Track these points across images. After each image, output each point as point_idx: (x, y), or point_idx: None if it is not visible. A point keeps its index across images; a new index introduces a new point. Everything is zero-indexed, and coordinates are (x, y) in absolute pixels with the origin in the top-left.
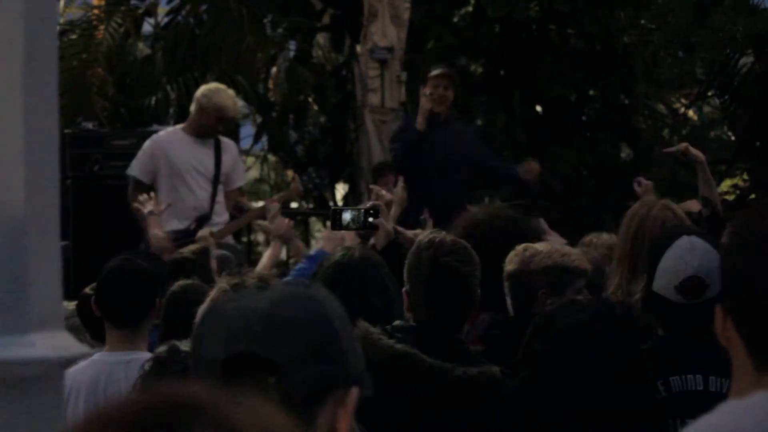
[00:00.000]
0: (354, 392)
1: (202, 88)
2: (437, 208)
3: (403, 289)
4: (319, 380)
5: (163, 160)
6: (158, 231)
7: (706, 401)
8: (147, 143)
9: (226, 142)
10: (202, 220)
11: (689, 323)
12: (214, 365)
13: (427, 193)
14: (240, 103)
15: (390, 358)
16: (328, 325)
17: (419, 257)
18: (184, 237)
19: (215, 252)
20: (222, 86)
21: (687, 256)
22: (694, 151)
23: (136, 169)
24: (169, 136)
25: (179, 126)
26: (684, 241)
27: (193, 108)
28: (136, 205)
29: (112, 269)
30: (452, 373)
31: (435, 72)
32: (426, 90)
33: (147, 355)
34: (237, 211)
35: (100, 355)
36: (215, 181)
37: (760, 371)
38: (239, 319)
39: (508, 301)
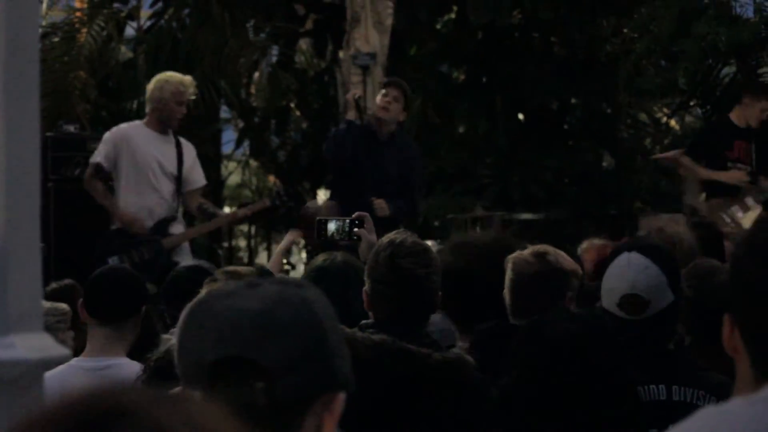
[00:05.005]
0: (341, 397)
1: (152, 82)
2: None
3: (363, 289)
4: (306, 386)
5: (125, 150)
6: (123, 211)
7: (670, 411)
8: (109, 133)
9: (185, 142)
10: (167, 220)
11: (635, 338)
12: (201, 366)
13: (360, 200)
14: (222, 107)
15: (367, 349)
16: (319, 328)
17: (377, 258)
18: (140, 235)
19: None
20: (170, 73)
21: (623, 273)
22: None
23: (97, 154)
24: (131, 128)
25: (140, 121)
26: (621, 259)
27: (149, 105)
28: (97, 194)
29: (102, 270)
30: (431, 357)
31: (386, 80)
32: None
33: (125, 360)
34: (200, 212)
35: (77, 361)
36: (178, 178)
37: (760, 384)
38: (229, 320)
39: None
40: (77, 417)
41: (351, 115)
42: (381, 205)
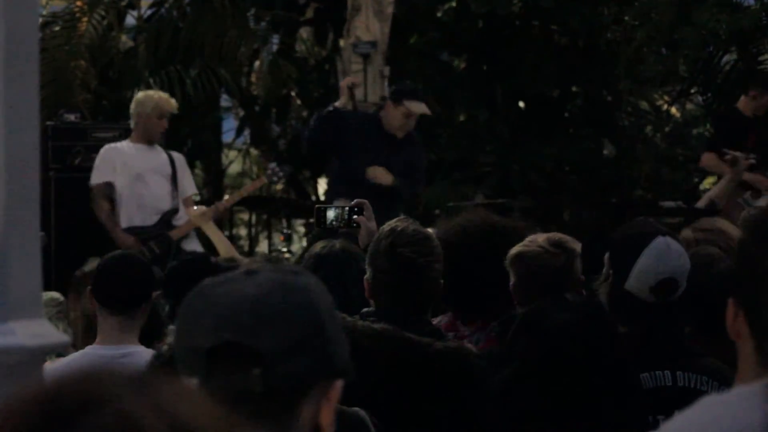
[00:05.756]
0: (338, 385)
1: (134, 100)
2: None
3: (365, 277)
4: (304, 373)
5: (119, 163)
6: (122, 232)
7: (676, 397)
8: (101, 152)
9: (174, 153)
10: (170, 213)
11: (659, 321)
12: (198, 353)
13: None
14: (222, 96)
15: (369, 338)
16: (316, 316)
17: (378, 246)
18: (147, 232)
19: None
20: (151, 91)
21: (665, 257)
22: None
23: (98, 176)
24: (120, 144)
25: (126, 141)
26: (661, 242)
27: (132, 122)
28: (101, 213)
29: (110, 257)
30: (433, 346)
31: (413, 106)
32: (396, 112)
33: (142, 348)
34: None
35: (92, 348)
36: (173, 179)
37: (763, 368)
38: (226, 306)
39: None
40: (45, 408)
41: (343, 101)
42: (380, 172)
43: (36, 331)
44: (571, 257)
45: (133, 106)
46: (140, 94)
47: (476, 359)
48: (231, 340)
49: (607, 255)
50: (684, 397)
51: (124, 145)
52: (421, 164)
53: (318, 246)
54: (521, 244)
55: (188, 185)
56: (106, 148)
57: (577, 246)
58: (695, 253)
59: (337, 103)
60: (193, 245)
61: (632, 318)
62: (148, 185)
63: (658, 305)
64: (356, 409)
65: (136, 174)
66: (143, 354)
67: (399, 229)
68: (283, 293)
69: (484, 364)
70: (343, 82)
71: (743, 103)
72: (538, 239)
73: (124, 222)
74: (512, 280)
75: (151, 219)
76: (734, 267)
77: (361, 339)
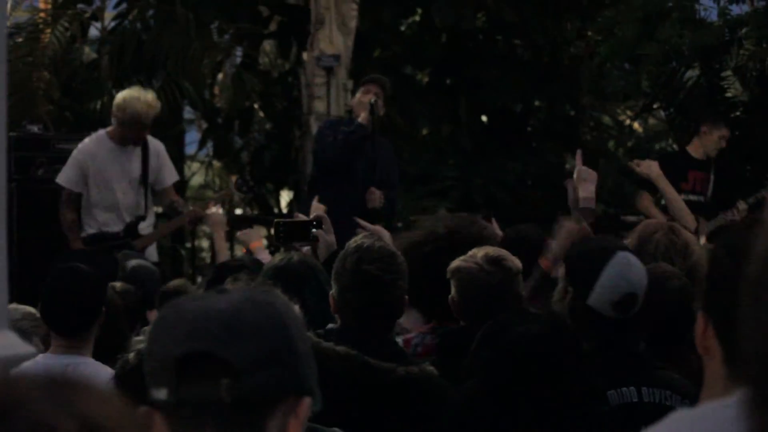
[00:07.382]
0: (306, 402)
1: (118, 99)
2: (363, 215)
3: (330, 293)
4: (272, 386)
5: (91, 170)
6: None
7: (642, 413)
8: (75, 154)
9: (152, 142)
10: (135, 221)
11: (619, 337)
12: (168, 362)
13: (354, 199)
14: (186, 108)
15: (331, 360)
16: (285, 331)
17: (344, 263)
18: (112, 240)
19: (133, 262)
20: (135, 93)
21: (626, 273)
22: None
23: (67, 180)
24: (94, 144)
25: (104, 131)
26: (622, 258)
27: (114, 119)
28: (65, 222)
29: (56, 278)
30: (395, 372)
31: (366, 78)
32: (359, 93)
33: (88, 360)
34: (171, 211)
35: (42, 357)
36: (144, 183)
37: (732, 383)
38: (197, 318)
39: None
40: None
41: (364, 117)
42: (380, 196)
43: (2, 342)
44: (509, 275)
45: (118, 102)
46: (128, 95)
47: (438, 381)
48: (201, 350)
49: (562, 271)
50: (651, 413)
51: (100, 144)
52: (395, 177)
53: (276, 258)
54: (462, 257)
55: (168, 175)
56: (82, 153)
57: (517, 263)
58: (649, 270)
59: (360, 120)
60: (153, 256)
61: (593, 334)
62: (116, 193)
63: (618, 321)
64: (335, 429)
65: (105, 181)
66: (91, 365)
67: (365, 246)
68: (254, 308)
69: (447, 385)
70: (365, 98)
71: (694, 144)
72: (477, 254)
73: (90, 227)
74: (452, 292)
75: (117, 226)
76: (705, 280)
77: (324, 359)
